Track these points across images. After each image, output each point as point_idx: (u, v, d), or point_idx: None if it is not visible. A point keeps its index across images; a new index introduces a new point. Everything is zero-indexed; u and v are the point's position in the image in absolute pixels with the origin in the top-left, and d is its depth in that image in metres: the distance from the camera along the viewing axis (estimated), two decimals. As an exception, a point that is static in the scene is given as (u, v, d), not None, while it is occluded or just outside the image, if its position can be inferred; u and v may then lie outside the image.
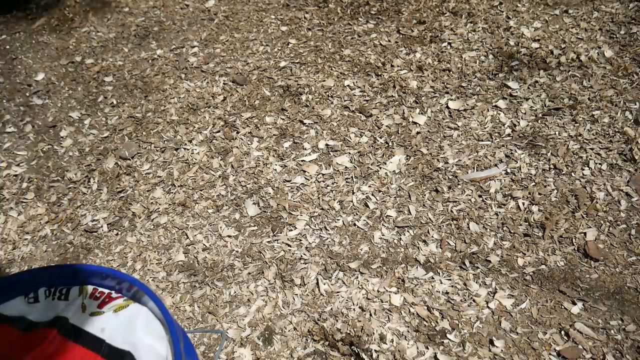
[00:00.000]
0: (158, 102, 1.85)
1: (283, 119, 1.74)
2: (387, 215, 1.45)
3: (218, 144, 1.67)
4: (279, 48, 2.04)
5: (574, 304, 1.24)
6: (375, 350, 1.18)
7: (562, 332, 1.19)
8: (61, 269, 0.82)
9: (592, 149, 1.56)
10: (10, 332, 0.78)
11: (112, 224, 1.49)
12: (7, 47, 2.17)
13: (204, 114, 1.79)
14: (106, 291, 0.81)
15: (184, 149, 1.67)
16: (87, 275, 0.82)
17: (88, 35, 2.20)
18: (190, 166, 1.61)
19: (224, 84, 1.90)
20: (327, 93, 1.82)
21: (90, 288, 0.82)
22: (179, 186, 1.56)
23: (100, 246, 1.45)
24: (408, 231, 1.41)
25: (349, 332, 1.21)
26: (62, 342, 0.78)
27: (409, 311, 1.25)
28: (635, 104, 1.67)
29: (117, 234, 1.47)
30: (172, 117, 1.79)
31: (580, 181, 1.48)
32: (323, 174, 1.56)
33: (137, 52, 2.09)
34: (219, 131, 1.72)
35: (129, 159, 1.65)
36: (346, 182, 1.53)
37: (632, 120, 1.63)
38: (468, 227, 1.41)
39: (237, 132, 1.71)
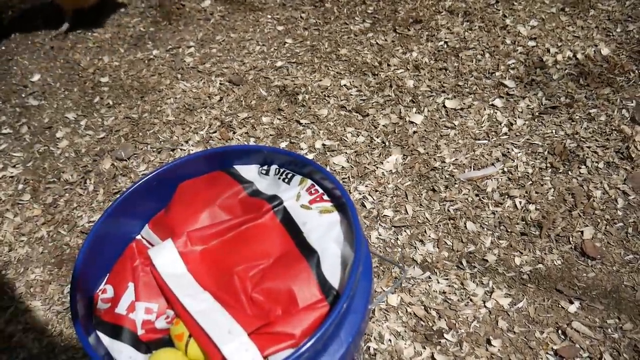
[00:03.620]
0: (154, 102, 1.85)
1: (279, 119, 1.74)
2: (384, 215, 1.45)
3: (215, 145, 1.67)
4: (275, 48, 2.04)
5: (571, 302, 1.24)
6: (374, 349, 1.17)
7: (559, 331, 1.19)
8: (294, 156, 0.90)
9: (588, 147, 1.56)
10: (240, 191, 0.89)
11: (108, 225, 1.49)
12: (3, 48, 2.17)
13: (200, 114, 1.78)
14: (320, 191, 0.88)
15: (181, 149, 1.67)
16: (311, 171, 0.89)
17: (84, 36, 2.20)
18: (187, 167, 1.61)
19: (220, 84, 1.89)
20: (324, 93, 1.82)
21: (309, 182, 0.89)
22: (175, 187, 1.56)
23: (97, 247, 1.44)
24: (405, 231, 1.41)
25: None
26: (271, 217, 0.86)
27: (406, 311, 1.24)
28: (632, 102, 1.67)
29: (113, 235, 1.47)
30: (169, 117, 1.78)
31: (577, 180, 1.48)
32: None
33: (133, 53, 2.08)
34: (215, 131, 1.72)
35: (126, 160, 1.65)
36: (343, 182, 1.53)
37: (628, 119, 1.63)
38: (465, 227, 1.41)
39: (234, 133, 1.70)
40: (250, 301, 0.76)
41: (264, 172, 0.93)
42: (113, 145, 1.71)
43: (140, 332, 0.77)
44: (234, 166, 0.95)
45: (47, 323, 1.30)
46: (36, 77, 2.01)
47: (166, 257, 0.81)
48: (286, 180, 0.90)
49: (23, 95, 1.94)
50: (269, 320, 0.73)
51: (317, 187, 0.88)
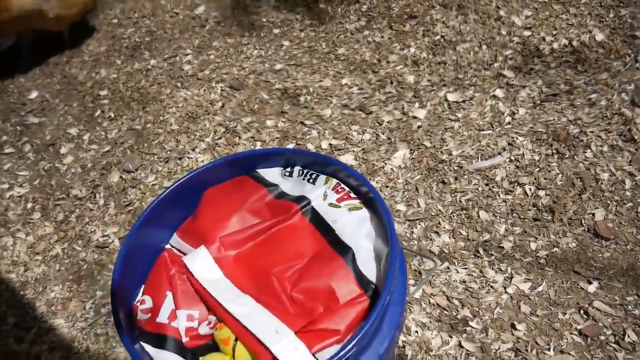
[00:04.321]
0: (156, 112, 1.85)
1: (284, 122, 1.75)
2: (397, 210, 1.46)
3: (221, 151, 1.67)
4: (273, 51, 2.04)
5: (590, 283, 1.26)
6: (402, 341, 1.18)
7: (581, 311, 1.21)
8: (316, 156, 0.92)
9: (592, 132, 1.58)
10: (266, 195, 0.90)
11: (123, 238, 1.49)
12: (-3, 67, 2.15)
13: (204, 121, 1.78)
14: (346, 189, 0.88)
15: (188, 157, 1.67)
16: (335, 170, 0.90)
17: (79, 50, 2.19)
18: (196, 174, 1.61)
19: (221, 90, 1.90)
20: (325, 93, 1.83)
21: (334, 181, 0.90)
22: (186, 195, 1.56)
23: (114, 261, 1.44)
24: (419, 224, 1.43)
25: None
26: (300, 218, 0.87)
27: (429, 302, 1.26)
28: (631, 85, 1.69)
29: (129, 247, 1.46)
30: (172, 126, 1.78)
31: (583, 164, 1.51)
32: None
33: (131, 64, 2.08)
34: (220, 138, 1.72)
35: (133, 172, 1.64)
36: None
37: (628, 102, 1.66)
38: (478, 216, 1.43)
39: (239, 138, 1.71)
40: (291, 301, 0.77)
41: (287, 174, 0.93)
42: (119, 158, 1.71)
43: (184, 339, 0.77)
44: (257, 170, 0.96)
45: (72, 340, 1.29)
46: (34, 94, 2.00)
47: (201, 264, 0.82)
48: (311, 180, 0.90)
49: (22, 114, 1.93)
50: (313, 318, 0.74)
51: (342, 185, 0.89)
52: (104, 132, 1.81)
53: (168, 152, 1.70)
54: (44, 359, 1.27)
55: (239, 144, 1.69)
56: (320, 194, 0.88)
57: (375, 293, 0.77)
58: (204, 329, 0.78)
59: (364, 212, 0.84)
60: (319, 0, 2.25)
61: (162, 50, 2.13)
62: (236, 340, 0.74)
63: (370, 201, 0.86)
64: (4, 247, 1.52)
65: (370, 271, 0.79)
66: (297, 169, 0.93)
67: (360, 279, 0.77)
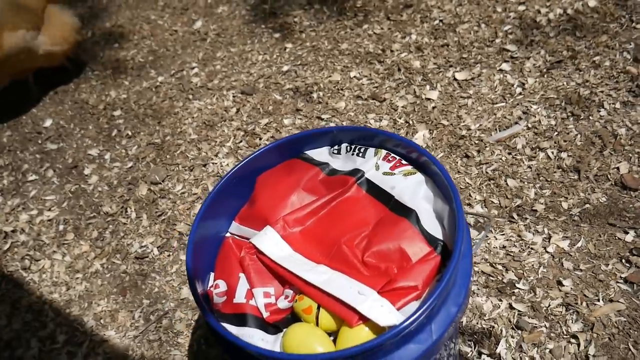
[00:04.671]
0: (173, 125, 1.87)
1: (300, 119, 1.78)
2: (426, 188, 1.49)
3: (244, 153, 1.70)
4: (278, 54, 2.08)
5: (626, 233, 1.29)
6: (455, 310, 1.21)
7: (623, 260, 1.24)
8: (362, 130, 0.94)
9: (602, 91, 1.63)
10: (318, 173, 0.93)
11: (162, 247, 1.50)
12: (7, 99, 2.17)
13: (221, 128, 1.81)
14: (397, 157, 0.90)
15: (212, 163, 1.69)
16: (383, 141, 0.93)
17: (85, 76, 2.21)
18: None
19: (233, 96, 1.93)
20: (336, 87, 1.86)
21: (383, 152, 0.92)
22: (217, 199, 1.58)
23: (156, 269, 1.46)
24: (450, 198, 1.45)
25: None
26: (357, 189, 0.90)
27: (474, 270, 1.28)
28: (630, 44, 1.74)
29: (169, 255, 1.48)
30: (191, 136, 1.81)
31: (599, 122, 1.55)
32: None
33: (139, 83, 2.11)
34: (241, 141, 1.75)
35: (161, 183, 1.66)
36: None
37: (631, 60, 1.70)
38: (506, 184, 1.46)
39: (260, 139, 1.74)
40: (364, 266, 0.80)
41: (335, 152, 0.96)
42: (144, 172, 1.73)
43: (265, 314, 0.79)
44: (305, 152, 0.98)
45: (126, 349, 1.30)
46: (48, 123, 2.02)
47: (270, 242, 0.84)
48: (360, 154, 0.93)
49: (39, 142, 1.95)
50: (389, 278, 0.76)
51: (392, 154, 0.92)
52: (124, 150, 1.83)
53: (192, 161, 1.72)
54: (102, 371, 1.28)
55: (260, 144, 1.72)
56: (372, 165, 0.91)
57: (444, 250, 0.80)
58: (282, 303, 0.80)
59: (419, 177, 0.87)
60: (313, 1, 2.29)
61: (167, 66, 2.16)
62: (318, 308, 0.76)
63: (423, 165, 0.89)
64: (42, 270, 1.53)
65: (435, 230, 0.82)
66: (344, 145, 0.96)
67: (428, 237, 0.80)
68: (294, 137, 0.97)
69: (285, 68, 2.00)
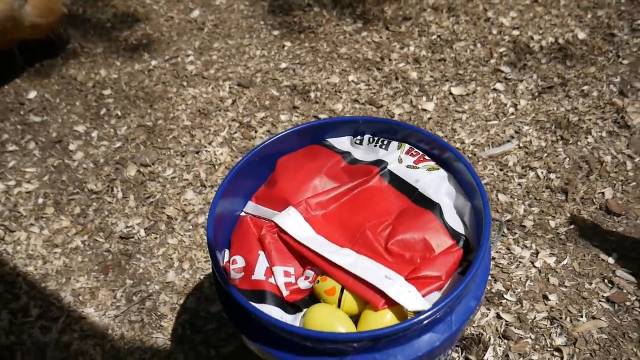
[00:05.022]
0: (166, 109, 1.84)
1: (297, 116, 1.78)
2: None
3: (239, 144, 1.68)
4: (276, 51, 2.08)
5: (609, 255, 1.34)
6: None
7: (606, 281, 1.29)
8: (387, 123, 0.94)
9: (589, 119, 1.70)
10: (340, 161, 0.93)
11: (149, 229, 1.47)
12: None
13: (216, 117, 1.79)
14: (420, 152, 0.90)
15: (206, 151, 1.67)
16: (407, 135, 0.93)
17: (74, 52, 2.15)
18: (217, 167, 1.61)
19: (230, 87, 1.91)
20: (334, 89, 1.87)
21: (407, 146, 0.93)
22: (209, 186, 1.56)
23: (141, 250, 1.42)
24: (443, 207, 1.48)
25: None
26: (380, 180, 0.90)
27: (465, 277, 1.31)
28: (617, 78, 1.83)
29: (156, 238, 1.45)
30: (185, 122, 1.78)
31: (587, 148, 1.61)
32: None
33: (131, 65, 2.06)
34: (236, 132, 1.73)
35: (150, 166, 1.63)
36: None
37: (617, 92, 1.79)
38: (497, 198, 1.50)
39: (256, 132, 1.72)
40: (388, 253, 0.80)
41: (357, 142, 0.97)
42: (133, 153, 1.68)
43: (285, 293, 0.78)
44: (327, 139, 0.99)
45: (105, 328, 1.26)
46: (32, 94, 1.95)
47: (293, 223, 0.84)
48: (383, 146, 0.94)
49: (22, 113, 1.87)
50: (414, 266, 0.77)
51: (415, 149, 0.93)
52: (112, 129, 1.78)
53: (184, 147, 1.69)
54: (76, 346, 1.23)
55: (255, 137, 1.71)
56: (395, 158, 0.92)
57: (465, 244, 0.81)
58: (303, 284, 0.80)
59: (442, 172, 0.89)
60: (312, 4, 2.31)
61: (161, 51, 2.13)
62: (342, 290, 0.76)
63: (446, 161, 0.91)
64: (17, 241, 1.47)
65: (457, 225, 0.83)
66: (367, 137, 0.96)
67: (451, 231, 0.82)
68: (319, 122, 0.97)
69: (283, 65, 2.00)
